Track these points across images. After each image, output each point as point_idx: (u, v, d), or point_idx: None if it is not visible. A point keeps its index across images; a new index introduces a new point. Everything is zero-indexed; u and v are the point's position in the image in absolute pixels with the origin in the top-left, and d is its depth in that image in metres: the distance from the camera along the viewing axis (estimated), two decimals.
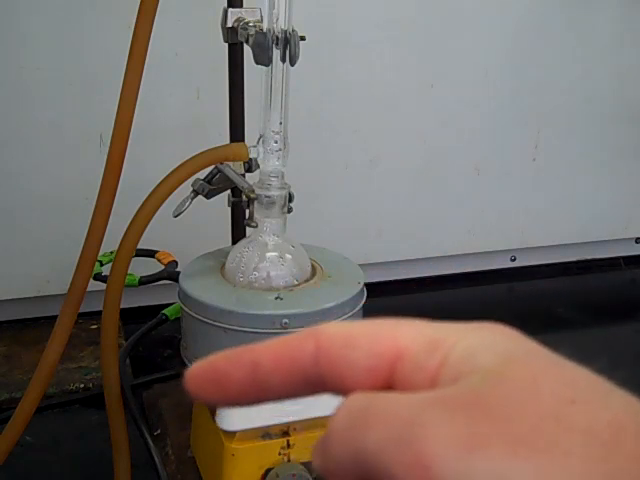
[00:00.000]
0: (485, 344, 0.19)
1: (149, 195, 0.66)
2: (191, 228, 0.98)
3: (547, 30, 1.24)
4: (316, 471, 0.20)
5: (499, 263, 1.35)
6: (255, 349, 0.22)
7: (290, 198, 0.66)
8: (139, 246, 0.68)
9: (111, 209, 0.67)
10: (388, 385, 0.20)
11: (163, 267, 0.96)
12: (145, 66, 0.64)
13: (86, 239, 0.67)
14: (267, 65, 0.63)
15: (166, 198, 0.66)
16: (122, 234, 0.67)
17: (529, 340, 0.19)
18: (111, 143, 0.65)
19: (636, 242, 1.43)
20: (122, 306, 0.69)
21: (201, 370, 0.22)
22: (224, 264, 0.68)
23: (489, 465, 0.16)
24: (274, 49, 0.62)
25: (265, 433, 0.63)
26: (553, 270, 1.38)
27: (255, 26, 0.67)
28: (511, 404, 0.17)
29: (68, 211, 1.02)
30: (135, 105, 0.65)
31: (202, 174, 0.71)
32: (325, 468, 0.20)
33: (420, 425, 0.17)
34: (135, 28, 0.63)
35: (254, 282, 0.65)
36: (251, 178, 0.69)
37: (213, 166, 0.71)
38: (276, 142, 0.65)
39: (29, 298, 1.08)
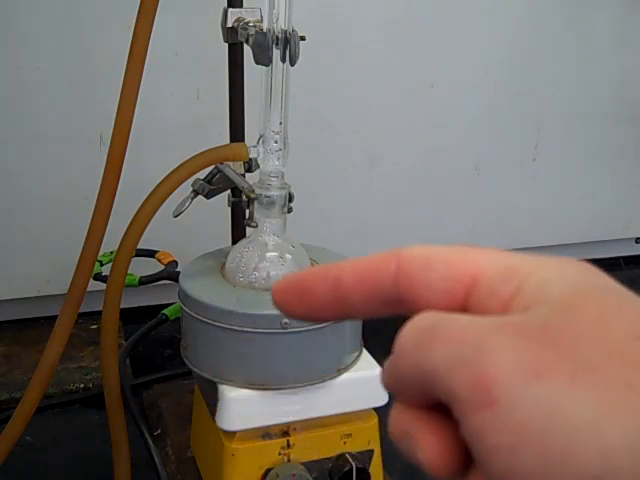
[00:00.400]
0: (561, 276, 0.19)
1: (149, 195, 0.66)
2: (191, 228, 0.98)
3: (547, 30, 1.24)
4: (385, 389, 0.21)
5: None
6: (340, 266, 0.22)
7: (290, 198, 0.66)
8: (139, 246, 0.68)
9: (111, 209, 0.67)
10: (462, 308, 0.20)
11: (163, 267, 0.96)
12: (145, 66, 0.64)
13: (86, 239, 0.67)
14: (267, 65, 0.63)
15: (166, 198, 0.66)
16: (122, 234, 0.67)
17: (605, 275, 0.19)
18: (111, 143, 0.65)
19: (636, 242, 1.43)
20: (122, 306, 0.69)
21: (287, 283, 0.23)
22: (224, 264, 0.68)
23: (549, 392, 0.16)
24: (274, 49, 0.62)
25: (265, 433, 0.63)
26: None
27: (255, 26, 0.67)
28: (577, 335, 0.17)
29: (68, 211, 1.02)
30: (135, 105, 0.65)
31: (202, 174, 0.71)
32: (392, 386, 0.20)
33: (485, 348, 0.17)
34: (135, 28, 0.63)
35: (254, 282, 0.65)
36: (251, 178, 0.69)
37: (213, 166, 0.71)
38: (276, 142, 0.65)
39: (29, 298, 1.08)
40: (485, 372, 0.17)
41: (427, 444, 0.19)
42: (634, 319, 0.18)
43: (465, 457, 0.19)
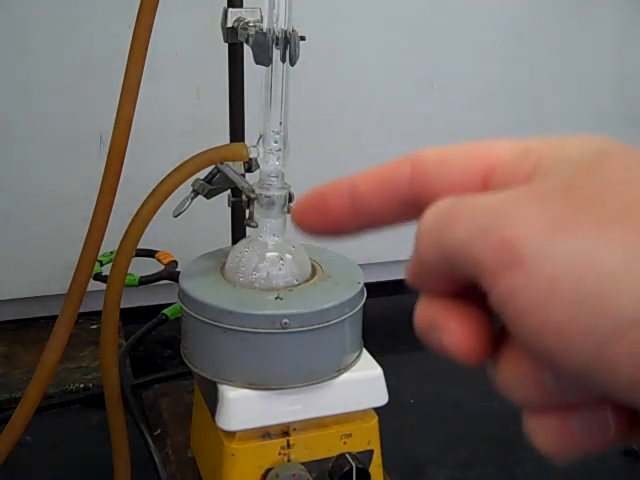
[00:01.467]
0: (582, 143, 0.19)
1: (149, 195, 0.66)
2: (191, 228, 0.98)
3: (547, 30, 1.24)
4: (408, 282, 0.20)
5: None
6: (355, 176, 0.22)
7: (290, 198, 0.66)
8: (139, 246, 0.68)
9: (111, 209, 0.67)
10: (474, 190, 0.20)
11: (163, 267, 0.96)
12: (145, 66, 0.64)
13: (86, 239, 0.67)
14: (267, 65, 0.63)
15: (166, 198, 0.66)
16: (122, 234, 0.67)
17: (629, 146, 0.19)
18: (111, 143, 0.65)
19: None
20: (122, 306, 0.69)
21: (305, 201, 0.23)
22: (224, 264, 0.68)
23: (577, 243, 0.16)
24: (274, 49, 0.62)
25: (265, 433, 0.63)
26: None
27: (255, 26, 0.67)
28: (602, 190, 0.17)
29: (68, 211, 1.02)
30: (135, 105, 0.65)
31: (202, 174, 0.71)
32: (416, 275, 0.20)
33: (507, 213, 0.17)
34: (135, 28, 0.63)
35: (254, 282, 0.65)
36: (251, 178, 0.69)
37: (213, 166, 0.71)
38: (276, 142, 0.65)
39: (29, 298, 1.08)
40: (509, 234, 0.17)
41: (454, 329, 0.19)
42: None
43: (493, 343, 0.18)
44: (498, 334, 0.19)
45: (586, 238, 0.16)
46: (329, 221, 0.22)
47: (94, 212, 0.67)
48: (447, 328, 0.19)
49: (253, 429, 0.63)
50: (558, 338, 0.16)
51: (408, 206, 0.21)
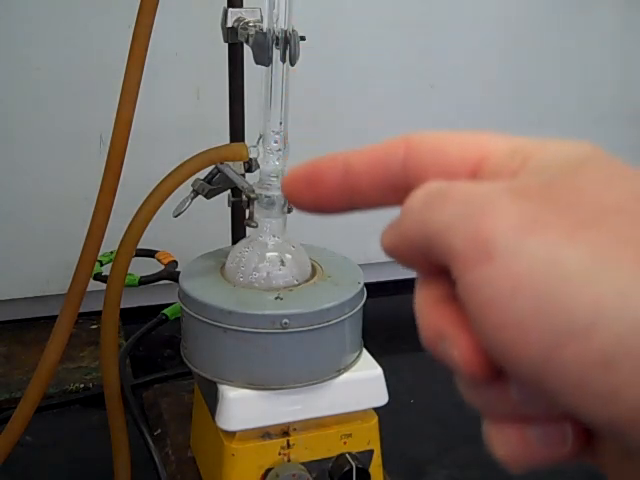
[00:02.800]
0: (566, 149, 0.19)
1: (149, 195, 0.66)
2: (191, 228, 0.98)
3: (547, 30, 1.24)
4: (383, 249, 0.21)
5: None
6: (349, 152, 0.22)
7: None
8: (139, 246, 0.68)
9: (111, 209, 0.67)
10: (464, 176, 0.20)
11: (163, 267, 0.96)
12: (145, 66, 0.64)
13: (86, 239, 0.67)
14: (267, 65, 0.63)
15: (166, 198, 0.66)
16: (122, 234, 0.67)
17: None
18: (111, 143, 0.65)
19: None
20: (122, 306, 0.69)
21: (297, 172, 0.23)
22: (224, 264, 0.68)
23: (545, 245, 0.16)
24: (274, 49, 0.62)
25: (265, 433, 0.63)
26: None
27: (255, 26, 0.67)
28: (579, 195, 0.17)
29: (68, 211, 1.02)
30: (135, 105, 0.65)
31: (202, 174, 0.71)
32: (393, 246, 0.20)
33: (487, 205, 0.18)
34: (135, 28, 0.63)
35: (254, 282, 0.65)
36: (251, 178, 0.69)
37: (213, 166, 0.71)
38: (276, 142, 0.65)
39: (29, 298, 1.08)
40: (484, 226, 0.17)
41: (466, 344, 0.18)
42: (636, 180, 0.18)
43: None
44: None
45: (556, 239, 0.16)
46: (319, 195, 0.22)
47: (94, 212, 0.67)
48: (459, 343, 0.18)
49: (253, 429, 0.63)
50: (515, 334, 0.16)
51: (398, 188, 0.21)
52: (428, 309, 0.20)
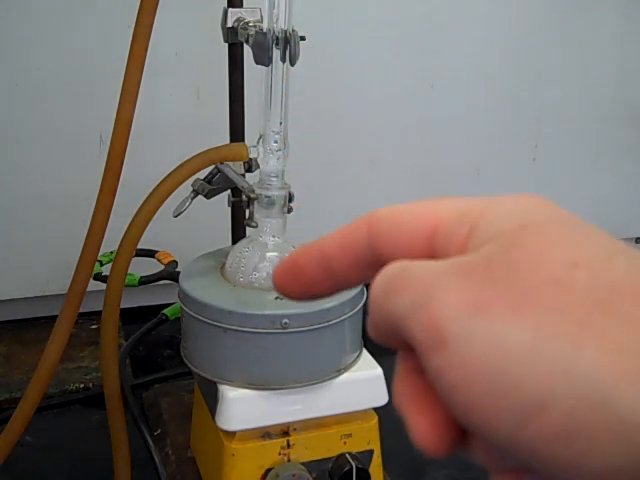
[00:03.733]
0: (509, 212, 0.20)
1: (149, 195, 0.66)
2: (191, 228, 0.98)
3: (547, 30, 1.24)
4: (371, 337, 0.21)
5: None
6: (321, 239, 0.23)
7: (290, 198, 0.66)
8: (139, 246, 0.68)
9: (111, 209, 0.67)
10: (430, 256, 0.21)
11: (163, 267, 0.96)
12: (145, 66, 0.64)
13: (86, 239, 0.67)
14: (267, 65, 0.63)
15: (166, 198, 0.66)
16: (122, 234, 0.67)
17: (556, 207, 0.20)
18: (111, 143, 0.65)
19: (636, 242, 1.43)
20: (122, 306, 0.69)
21: (282, 267, 0.24)
22: (224, 264, 0.68)
23: (489, 325, 0.17)
24: (274, 49, 0.62)
25: (265, 433, 0.63)
26: None
27: (255, 26, 0.67)
28: (516, 270, 0.18)
29: (68, 211, 1.02)
30: (135, 105, 0.65)
31: (202, 174, 0.71)
32: (373, 334, 0.21)
33: (435, 290, 0.18)
34: (135, 28, 0.63)
35: (254, 282, 0.65)
36: (251, 178, 0.69)
37: (213, 166, 0.71)
38: (276, 142, 0.65)
39: (29, 298, 1.08)
40: (434, 313, 0.18)
41: (421, 426, 0.19)
42: (573, 245, 0.18)
43: (460, 430, 0.19)
44: None
45: (500, 320, 0.17)
46: (306, 285, 0.23)
47: (94, 212, 0.67)
48: (414, 423, 0.19)
49: (253, 429, 0.63)
50: (482, 416, 0.17)
51: (372, 265, 0.22)
52: (399, 379, 0.20)
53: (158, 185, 0.66)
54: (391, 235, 0.22)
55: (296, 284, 0.23)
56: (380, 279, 0.20)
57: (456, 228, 0.20)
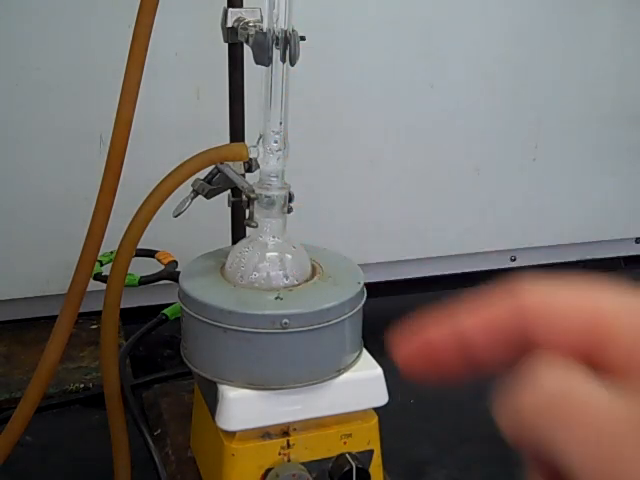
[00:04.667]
0: None
1: (149, 195, 0.66)
2: (191, 228, 0.98)
3: (547, 30, 1.24)
4: (503, 431, 0.19)
5: (499, 263, 1.35)
6: (457, 320, 0.21)
7: (290, 198, 0.66)
8: (139, 246, 0.68)
9: (111, 209, 0.67)
10: (587, 354, 0.19)
11: (163, 267, 0.96)
12: (145, 66, 0.64)
13: (86, 239, 0.67)
14: (267, 65, 0.63)
15: (166, 198, 0.66)
16: (122, 234, 0.67)
17: None
18: (111, 143, 0.65)
19: (636, 242, 1.43)
20: (122, 306, 0.69)
21: (409, 347, 0.22)
22: (224, 264, 0.68)
23: None
24: (274, 49, 0.62)
25: (265, 433, 0.63)
26: (553, 270, 1.38)
27: (255, 26, 0.67)
28: None
29: (68, 211, 1.02)
30: (135, 105, 0.65)
31: (202, 174, 0.71)
32: (510, 433, 0.19)
33: (621, 459, 0.16)
34: (135, 28, 0.63)
35: (254, 282, 0.65)
36: (251, 178, 0.69)
37: (213, 166, 0.71)
38: (276, 142, 0.65)
39: (29, 298, 1.08)
40: (620, 477, 0.16)
41: None
42: None
43: None
44: None
45: None
46: (443, 372, 0.22)
47: (94, 212, 0.67)
48: None
49: (253, 429, 0.63)
50: None
51: (522, 350, 0.20)
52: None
53: (158, 185, 0.66)
54: (547, 327, 0.20)
55: (431, 368, 0.21)
56: (539, 393, 0.18)
57: (632, 345, 0.18)
